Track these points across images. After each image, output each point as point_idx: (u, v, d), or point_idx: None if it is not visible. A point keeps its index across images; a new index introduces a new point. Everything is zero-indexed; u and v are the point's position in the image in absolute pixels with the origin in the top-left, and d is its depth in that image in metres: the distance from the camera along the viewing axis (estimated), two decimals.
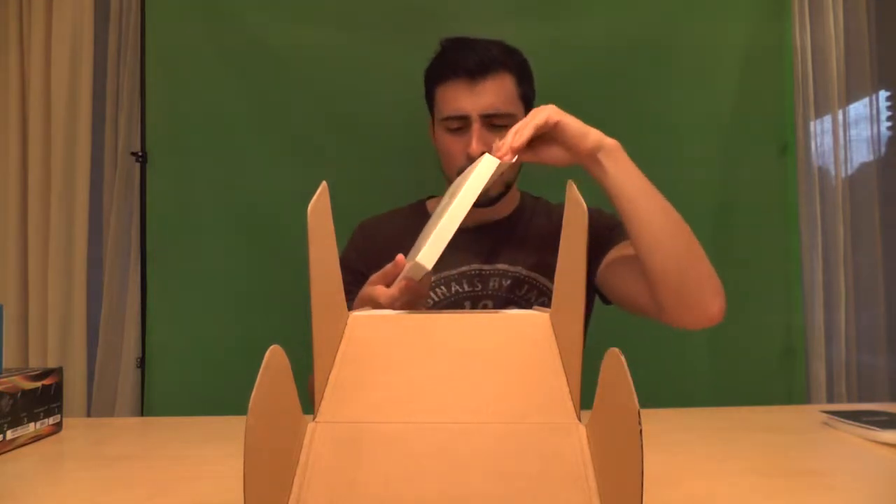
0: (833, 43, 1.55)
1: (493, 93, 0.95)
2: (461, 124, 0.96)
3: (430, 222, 0.80)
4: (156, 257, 1.40)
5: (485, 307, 0.99)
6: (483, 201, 0.96)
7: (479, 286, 1.00)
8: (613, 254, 0.95)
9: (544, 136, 0.81)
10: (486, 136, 0.94)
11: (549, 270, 1.00)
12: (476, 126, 0.94)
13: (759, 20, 1.39)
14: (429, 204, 1.11)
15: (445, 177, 1.03)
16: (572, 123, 0.81)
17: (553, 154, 0.83)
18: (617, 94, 1.35)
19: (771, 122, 1.39)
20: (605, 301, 1.00)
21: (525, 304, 0.99)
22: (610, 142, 0.82)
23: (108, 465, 0.60)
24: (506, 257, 1.01)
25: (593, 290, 1.00)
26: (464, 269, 1.01)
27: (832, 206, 1.55)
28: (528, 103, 0.99)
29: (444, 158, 1.00)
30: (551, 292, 0.99)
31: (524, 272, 1.00)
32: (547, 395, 0.36)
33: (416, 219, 1.02)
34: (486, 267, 1.01)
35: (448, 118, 0.96)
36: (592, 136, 0.81)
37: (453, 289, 0.99)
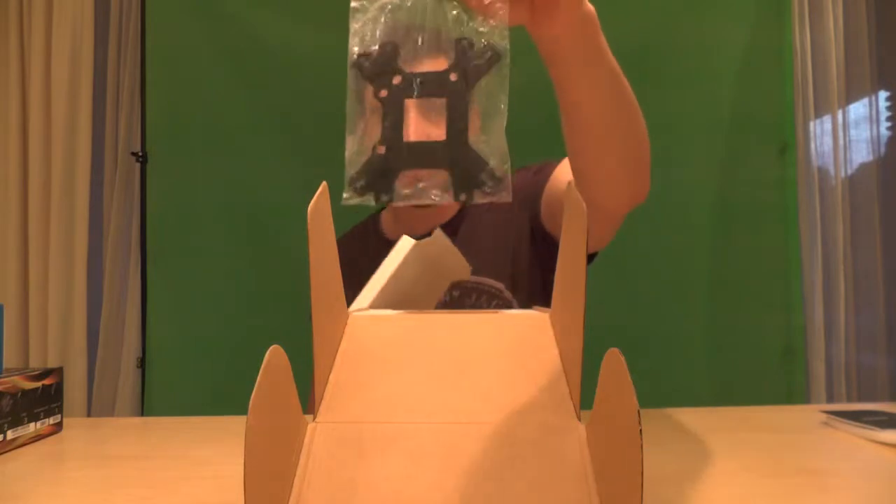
0: (833, 43, 1.55)
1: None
2: None
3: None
4: (156, 257, 1.40)
5: None
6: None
7: None
8: (547, 192, 0.89)
9: None
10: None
11: (495, 269, 0.95)
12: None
13: (759, 20, 1.39)
14: (383, 216, 1.05)
15: None
16: None
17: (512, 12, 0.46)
18: None
19: (771, 122, 1.39)
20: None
21: None
22: (589, 11, 0.58)
23: (108, 465, 0.60)
24: None
25: (551, 242, 0.90)
26: None
27: (832, 206, 1.55)
28: None
29: None
30: (501, 292, 0.94)
31: (472, 280, 0.95)
32: (547, 396, 0.36)
33: (370, 237, 1.00)
34: None
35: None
36: (584, 7, 0.57)
37: None
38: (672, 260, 1.32)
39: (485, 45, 0.39)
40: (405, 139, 0.38)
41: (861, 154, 1.63)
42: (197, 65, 1.39)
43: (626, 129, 0.66)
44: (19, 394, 0.68)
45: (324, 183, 0.42)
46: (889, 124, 1.69)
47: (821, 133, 1.59)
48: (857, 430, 0.65)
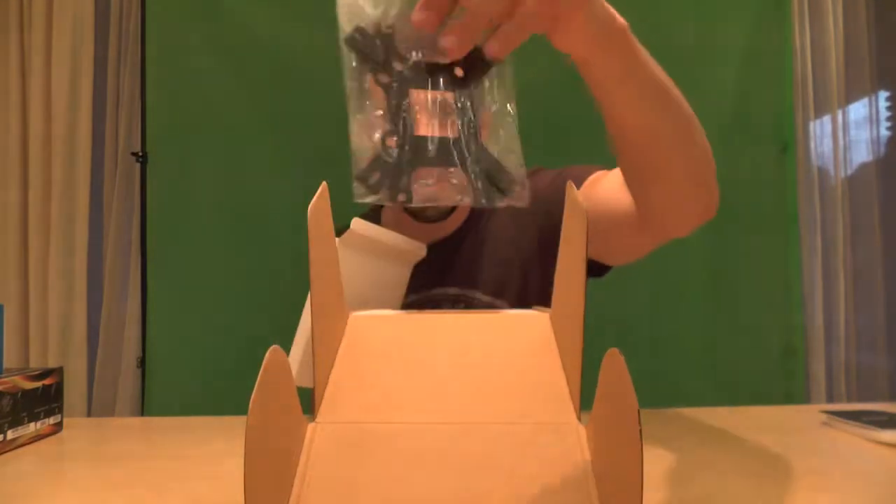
0: (833, 43, 1.55)
1: None
2: None
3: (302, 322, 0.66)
4: (156, 257, 1.40)
5: None
6: (433, 216, 0.85)
7: None
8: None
9: None
10: None
11: (502, 287, 0.87)
12: None
13: (759, 20, 1.39)
14: (384, 216, 0.98)
15: None
16: (594, 14, 0.46)
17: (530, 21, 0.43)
18: None
19: (771, 122, 1.39)
20: (598, 273, 0.85)
21: None
22: (617, 27, 0.49)
23: (108, 465, 0.60)
24: (456, 278, 0.89)
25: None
26: (410, 300, 0.87)
27: (832, 206, 1.55)
28: None
29: None
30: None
31: (478, 295, 0.89)
32: (547, 395, 0.36)
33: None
34: (434, 292, 0.89)
35: None
36: (616, 34, 0.49)
37: None
38: (672, 259, 1.32)
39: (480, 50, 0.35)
40: (416, 133, 0.34)
41: (861, 154, 1.63)
42: (197, 65, 1.39)
43: (681, 148, 0.60)
44: (19, 394, 0.68)
45: (324, 183, 0.42)
46: (889, 124, 1.69)
47: (821, 133, 1.59)
48: (857, 430, 0.66)
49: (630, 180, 0.65)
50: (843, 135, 1.59)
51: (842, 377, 1.54)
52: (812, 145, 1.57)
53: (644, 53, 0.52)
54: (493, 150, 0.35)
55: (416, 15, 0.35)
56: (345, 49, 0.34)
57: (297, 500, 0.31)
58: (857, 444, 0.62)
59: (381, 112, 0.34)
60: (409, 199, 0.33)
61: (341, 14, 0.35)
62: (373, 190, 0.34)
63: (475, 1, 0.35)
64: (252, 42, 1.39)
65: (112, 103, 1.57)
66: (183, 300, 1.39)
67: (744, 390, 1.35)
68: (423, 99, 0.35)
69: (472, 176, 0.33)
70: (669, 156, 0.59)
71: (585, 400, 0.34)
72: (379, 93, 0.34)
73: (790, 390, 1.37)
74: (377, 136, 0.33)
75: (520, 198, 0.35)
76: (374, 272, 0.63)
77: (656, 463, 0.56)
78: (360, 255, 0.60)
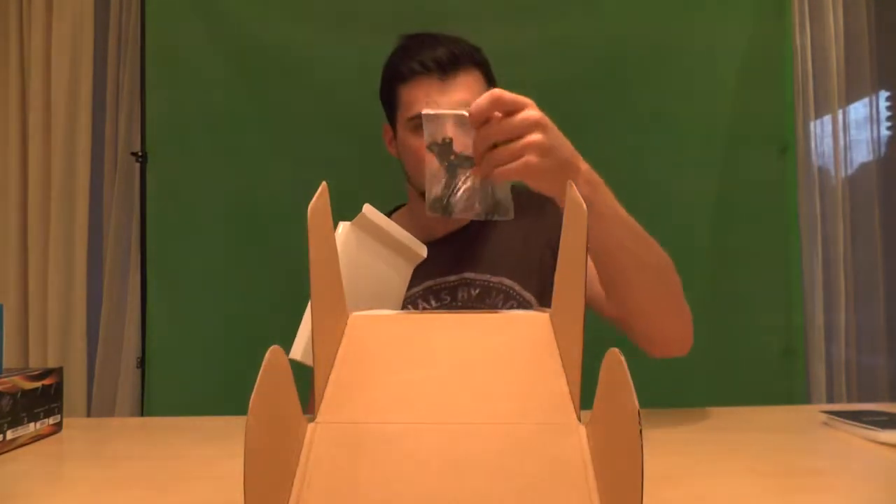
0: (833, 43, 1.55)
1: (466, 87, 0.88)
2: None
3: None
4: (156, 257, 1.40)
5: None
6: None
7: (448, 299, 0.95)
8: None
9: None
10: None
11: (515, 271, 0.95)
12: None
13: (759, 20, 1.39)
14: (395, 218, 1.04)
15: (412, 184, 0.98)
16: (555, 180, 0.68)
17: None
18: (616, 94, 1.35)
19: (771, 122, 1.39)
20: None
21: None
22: (592, 193, 0.71)
23: (108, 465, 0.60)
24: (471, 265, 0.96)
25: None
26: (428, 283, 0.95)
27: (832, 206, 1.55)
28: None
29: (414, 163, 0.92)
30: (521, 296, 0.95)
31: (492, 279, 0.95)
32: (547, 395, 0.36)
33: None
34: (450, 278, 0.95)
35: (416, 117, 0.89)
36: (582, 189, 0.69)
37: (420, 306, 0.95)
38: (672, 260, 1.32)
39: None
40: (458, 185, 0.72)
41: (861, 154, 1.63)
42: (197, 65, 1.39)
43: (649, 280, 0.78)
44: (19, 394, 0.68)
45: (323, 183, 0.42)
46: (889, 124, 1.69)
47: (821, 133, 1.59)
48: (857, 430, 0.66)
49: (610, 297, 0.83)
50: (844, 135, 1.58)
51: (842, 377, 1.54)
52: (812, 145, 1.57)
53: (613, 218, 0.73)
54: (498, 193, 0.73)
55: (473, 149, 0.69)
56: (427, 152, 0.72)
57: (297, 500, 0.31)
58: (857, 444, 0.62)
59: (442, 177, 0.72)
60: (451, 214, 0.73)
61: (426, 134, 0.72)
62: (436, 211, 0.73)
63: (493, 158, 0.68)
64: (252, 42, 1.39)
65: (112, 103, 1.56)
66: (183, 300, 1.39)
67: (744, 390, 1.35)
68: (463, 172, 0.71)
69: (483, 207, 0.73)
70: (634, 292, 0.79)
71: (585, 400, 0.34)
72: (443, 169, 0.71)
73: (790, 390, 1.37)
74: (439, 188, 0.73)
75: (505, 216, 0.74)
76: (377, 259, 0.74)
77: (656, 463, 0.56)
78: (368, 238, 0.72)
